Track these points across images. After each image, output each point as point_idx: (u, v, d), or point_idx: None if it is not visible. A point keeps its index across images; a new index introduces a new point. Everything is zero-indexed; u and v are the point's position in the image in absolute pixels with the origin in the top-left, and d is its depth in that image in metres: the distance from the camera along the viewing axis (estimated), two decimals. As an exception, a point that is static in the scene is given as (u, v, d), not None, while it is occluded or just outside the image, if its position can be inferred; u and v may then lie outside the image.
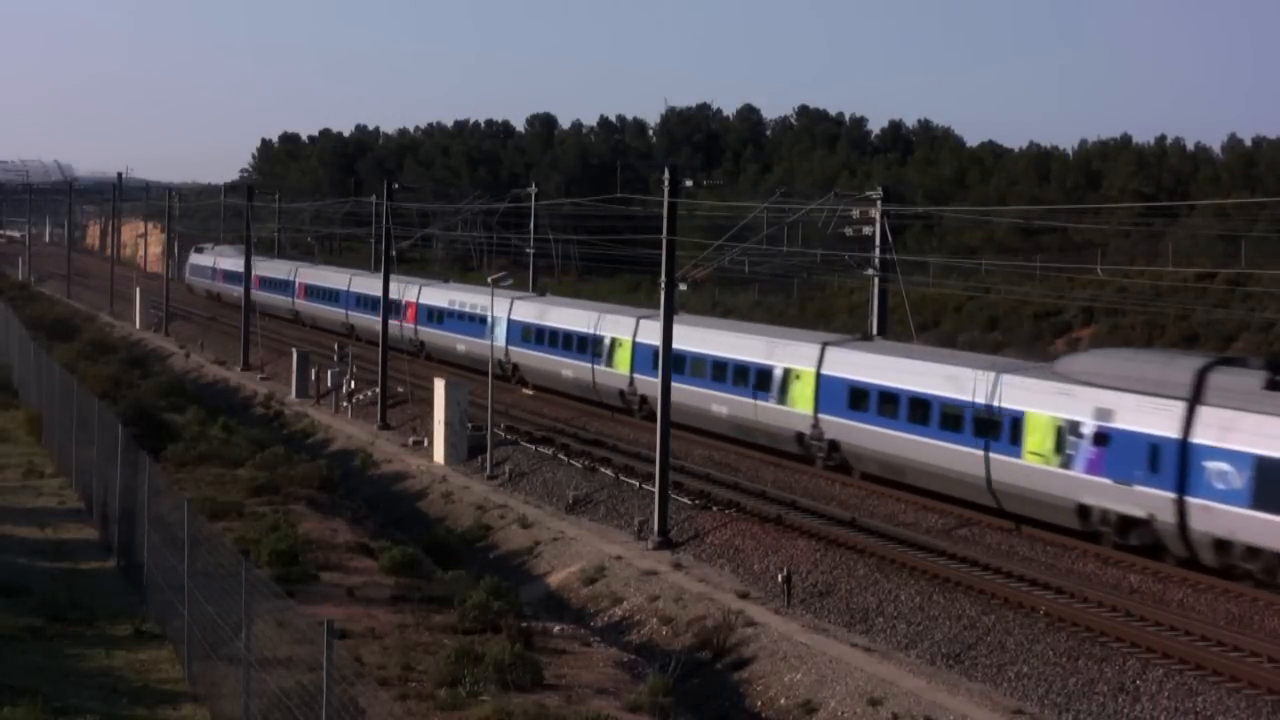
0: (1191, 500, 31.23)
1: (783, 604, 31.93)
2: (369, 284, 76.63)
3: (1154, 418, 32.14)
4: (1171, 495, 31.63)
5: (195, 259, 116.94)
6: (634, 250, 67.69)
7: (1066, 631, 28.44)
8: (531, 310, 60.16)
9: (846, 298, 79.72)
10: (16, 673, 20.58)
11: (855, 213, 48.25)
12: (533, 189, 79.72)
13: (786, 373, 44.12)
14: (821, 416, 42.71)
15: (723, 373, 46.86)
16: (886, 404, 39.91)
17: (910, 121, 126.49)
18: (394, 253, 61.38)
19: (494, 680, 21.76)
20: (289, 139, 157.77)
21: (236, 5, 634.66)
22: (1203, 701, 25.13)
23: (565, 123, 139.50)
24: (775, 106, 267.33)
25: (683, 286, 40.60)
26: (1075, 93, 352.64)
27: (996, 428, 36.20)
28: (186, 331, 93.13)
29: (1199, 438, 31.16)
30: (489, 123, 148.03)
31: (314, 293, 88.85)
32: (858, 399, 41.09)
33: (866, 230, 47.24)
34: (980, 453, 36.68)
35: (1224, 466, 30.49)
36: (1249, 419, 30.21)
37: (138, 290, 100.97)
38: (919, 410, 38.70)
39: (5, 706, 18.35)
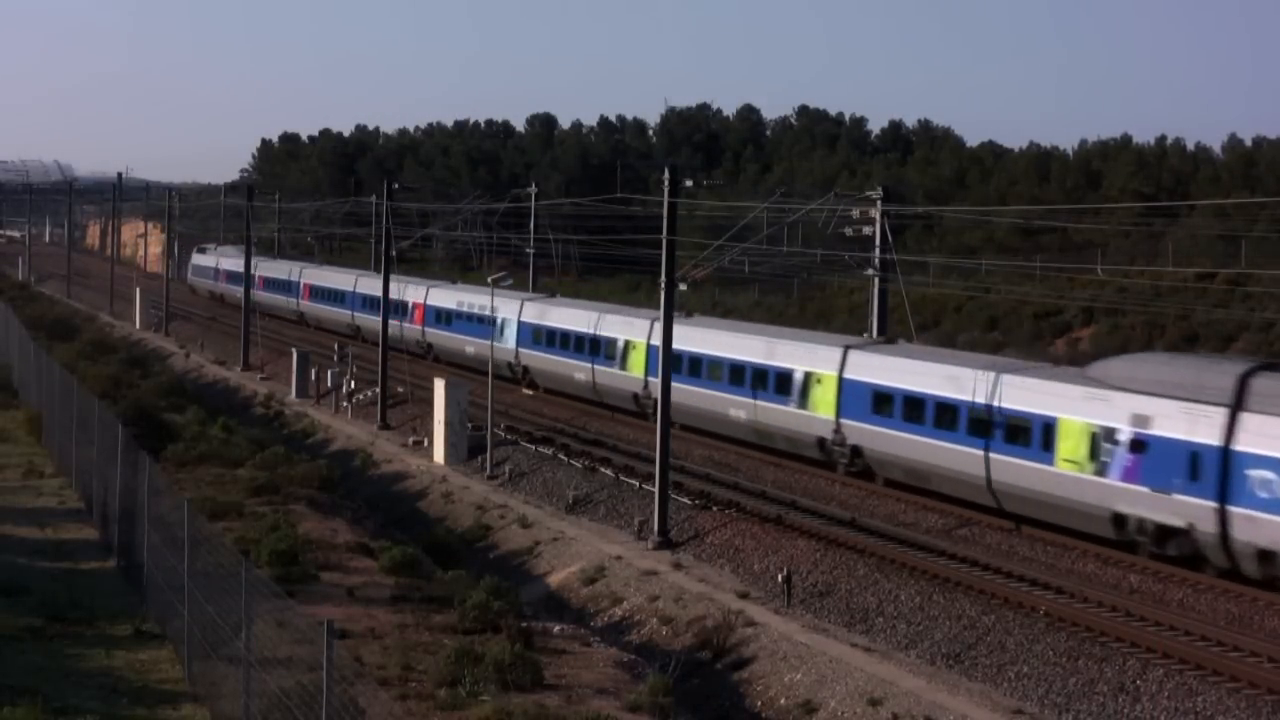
0: (1234, 510, 30.27)
1: (783, 604, 31.93)
2: (375, 285, 76.17)
3: (1194, 424, 31.21)
4: (1213, 504, 30.69)
5: (198, 259, 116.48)
6: (634, 250, 67.69)
7: (1066, 631, 28.43)
8: (542, 312, 59.74)
9: (846, 298, 79.67)
10: (16, 673, 20.57)
11: (855, 213, 48.21)
12: (533, 189, 79.77)
13: (808, 376, 43.45)
14: (844, 421, 41.99)
15: (741, 376, 46.04)
16: (911, 409, 39.15)
17: (910, 121, 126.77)
18: (394, 253, 61.38)
19: (494, 680, 21.75)
20: (289, 139, 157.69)
21: (236, 5, 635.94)
22: (1203, 701, 25.13)
23: (565, 123, 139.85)
24: (775, 106, 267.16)
25: (683, 286, 40.52)
26: (1075, 93, 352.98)
27: (1027, 434, 35.50)
28: (186, 331, 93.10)
29: (1242, 445, 30.23)
30: (489, 123, 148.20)
31: (319, 294, 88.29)
32: (881, 403, 40.33)
33: (866, 230, 47.20)
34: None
35: (1269, 475, 29.55)
36: None
37: (138, 290, 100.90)
38: (946, 415, 37.88)
39: (5, 706, 18.34)
